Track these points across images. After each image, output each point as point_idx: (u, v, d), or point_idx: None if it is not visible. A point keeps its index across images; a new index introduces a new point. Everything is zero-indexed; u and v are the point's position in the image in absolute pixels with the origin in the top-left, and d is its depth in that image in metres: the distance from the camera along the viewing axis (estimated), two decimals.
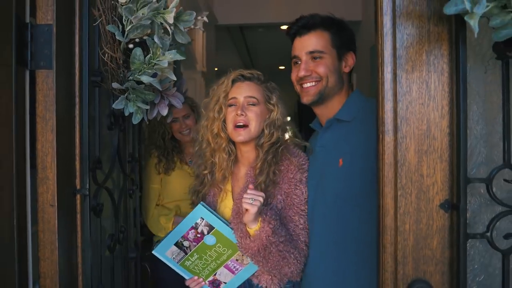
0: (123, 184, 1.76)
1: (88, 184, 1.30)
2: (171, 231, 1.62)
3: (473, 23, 0.78)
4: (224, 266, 1.60)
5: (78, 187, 1.28)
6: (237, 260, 1.58)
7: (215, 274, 1.62)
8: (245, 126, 1.50)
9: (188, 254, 1.61)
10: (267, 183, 1.46)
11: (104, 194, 1.53)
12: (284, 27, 6.15)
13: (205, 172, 1.64)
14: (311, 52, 1.43)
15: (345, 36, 1.46)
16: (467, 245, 0.99)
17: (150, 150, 2.39)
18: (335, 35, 1.44)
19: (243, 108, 1.51)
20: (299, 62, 1.46)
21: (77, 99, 1.28)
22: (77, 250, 1.28)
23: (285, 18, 5.64)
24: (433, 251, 0.98)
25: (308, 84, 1.43)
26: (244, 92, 1.53)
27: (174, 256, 1.63)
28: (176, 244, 1.60)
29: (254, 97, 1.53)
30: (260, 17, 5.67)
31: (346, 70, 1.46)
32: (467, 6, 0.78)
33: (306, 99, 1.45)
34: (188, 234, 1.58)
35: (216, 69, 6.05)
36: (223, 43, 6.60)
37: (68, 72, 1.24)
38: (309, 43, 1.44)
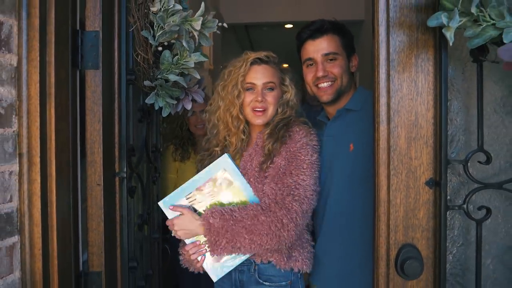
0: (147, 171, 1.98)
1: (125, 168, 1.51)
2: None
3: (449, 35, 0.98)
4: None
5: (117, 170, 1.48)
6: None
7: None
8: (262, 112, 1.60)
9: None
10: (275, 145, 1.54)
11: (134, 179, 1.74)
12: (288, 25, 6.33)
13: (216, 148, 1.69)
14: (327, 54, 1.61)
15: (351, 40, 1.66)
16: (448, 216, 1.20)
17: (167, 140, 2.61)
18: (343, 38, 1.63)
19: (262, 94, 1.59)
20: (313, 64, 1.63)
21: (116, 95, 1.48)
22: (115, 225, 1.49)
23: (289, 17, 5.83)
24: (420, 220, 1.18)
25: (325, 84, 1.61)
26: (262, 77, 1.61)
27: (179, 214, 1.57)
28: (188, 198, 1.56)
29: (272, 82, 1.61)
30: (264, 16, 5.82)
31: (353, 70, 1.66)
32: (444, 21, 0.98)
33: (325, 98, 1.62)
34: (205, 186, 1.54)
35: (221, 66, 6.22)
36: (229, 42, 6.77)
37: (109, 72, 1.45)
38: (323, 46, 1.61)
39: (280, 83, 1.65)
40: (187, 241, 1.60)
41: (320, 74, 1.60)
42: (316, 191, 1.55)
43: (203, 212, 1.54)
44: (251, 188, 1.55)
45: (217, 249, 1.50)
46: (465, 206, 1.15)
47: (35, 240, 1.16)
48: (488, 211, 1.15)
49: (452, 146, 1.22)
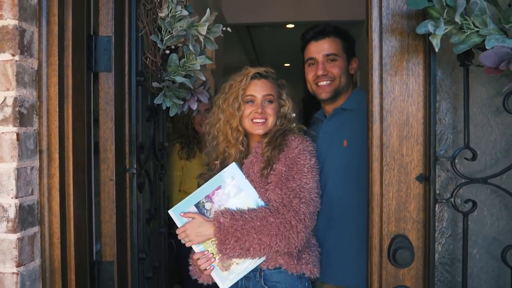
0: (154, 168, 2.07)
1: (135, 165, 1.60)
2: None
3: (435, 42, 1.07)
4: None
5: (127, 166, 1.58)
6: None
7: None
8: (262, 123, 1.67)
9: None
10: (273, 152, 1.60)
11: (142, 175, 1.83)
12: (290, 26, 6.41)
13: (216, 162, 1.74)
14: (328, 55, 1.73)
15: (352, 43, 1.77)
16: (437, 208, 1.29)
17: (173, 139, 2.71)
18: (345, 42, 1.75)
19: (262, 106, 1.67)
20: (315, 63, 1.74)
21: (126, 96, 1.57)
22: (126, 218, 1.58)
23: (290, 17, 5.90)
24: (411, 213, 1.27)
25: (324, 83, 1.72)
26: (261, 90, 1.69)
27: (190, 219, 1.61)
28: (197, 206, 1.60)
29: (271, 94, 1.69)
30: (266, 16, 5.88)
31: (352, 72, 1.77)
32: (431, 29, 1.07)
33: (324, 95, 1.74)
34: (214, 194, 1.58)
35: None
36: (231, 42, 6.84)
37: (120, 74, 1.54)
38: (325, 47, 1.73)
39: (278, 97, 1.73)
40: (196, 249, 1.62)
41: (320, 72, 1.71)
42: (319, 194, 1.60)
43: None
44: (258, 195, 1.59)
45: (225, 248, 1.52)
46: (452, 199, 1.24)
47: (54, 230, 1.25)
48: (474, 204, 1.24)
49: (441, 144, 1.31)
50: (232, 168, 1.60)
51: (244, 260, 1.58)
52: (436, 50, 1.08)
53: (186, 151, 2.66)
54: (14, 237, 1.16)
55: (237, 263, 1.58)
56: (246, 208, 1.58)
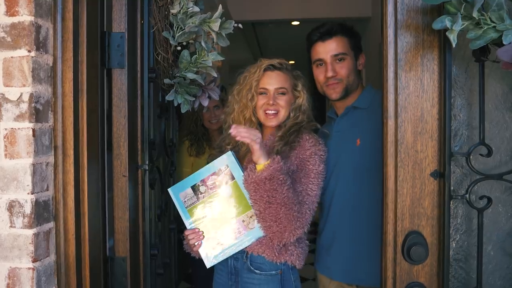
0: (165, 164, 2.08)
1: (147, 161, 1.61)
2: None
3: (452, 37, 1.06)
4: (228, 225, 1.64)
5: (139, 163, 1.58)
6: (243, 221, 1.62)
7: (216, 232, 1.65)
8: (275, 115, 1.68)
9: (200, 200, 1.66)
10: (284, 148, 1.60)
11: (153, 172, 1.83)
12: (295, 23, 6.39)
13: (228, 146, 1.76)
14: (336, 55, 1.71)
15: (358, 40, 1.76)
16: (452, 205, 1.29)
17: (183, 136, 2.72)
18: (351, 39, 1.73)
19: (274, 98, 1.68)
20: (323, 64, 1.73)
21: (139, 92, 1.58)
22: (139, 214, 1.59)
23: (295, 14, 5.88)
24: (425, 209, 1.27)
25: (334, 84, 1.71)
26: (274, 83, 1.69)
27: (186, 199, 1.67)
28: (193, 188, 1.67)
29: (283, 87, 1.69)
30: (271, 13, 5.87)
31: (360, 68, 1.76)
32: (448, 24, 1.06)
33: (335, 96, 1.73)
34: (208, 179, 1.64)
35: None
36: (236, 39, 6.82)
37: (133, 70, 1.54)
38: (333, 47, 1.71)
39: (292, 89, 1.73)
40: (188, 226, 1.69)
41: (329, 74, 1.70)
42: (318, 202, 1.63)
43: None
44: None
45: (260, 182, 1.48)
46: (467, 196, 1.24)
47: (69, 226, 1.26)
48: (489, 200, 1.24)
49: (456, 140, 1.30)
50: (227, 157, 1.64)
51: (229, 243, 1.64)
52: (454, 45, 1.08)
53: (195, 148, 2.67)
54: (30, 232, 1.16)
55: (221, 244, 1.65)
56: (237, 195, 1.61)
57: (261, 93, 1.72)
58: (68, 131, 1.25)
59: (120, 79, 1.46)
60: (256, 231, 1.62)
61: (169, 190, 1.70)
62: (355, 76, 1.74)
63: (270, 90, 1.70)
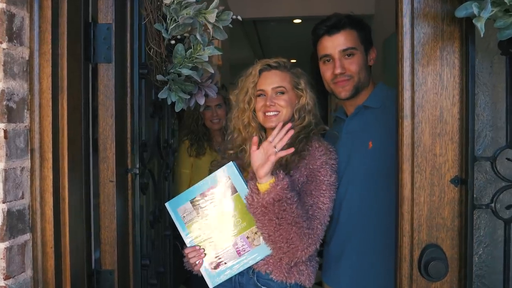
0: (159, 167, 1.95)
1: (137, 164, 1.48)
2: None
3: (480, 25, 0.93)
4: (231, 242, 1.51)
5: (129, 166, 1.45)
6: (247, 237, 1.49)
7: (219, 250, 1.53)
8: (275, 116, 1.55)
9: (200, 216, 1.52)
10: (293, 158, 1.48)
11: (145, 175, 1.70)
12: (297, 21, 6.27)
13: (231, 152, 1.66)
14: (345, 50, 1.55)
15: (368, 33, 1.61)
16: (474, 215, 1.15)
17: (183, 135, 2.59)
18: (361, 32, 1.57)
19: (271, 98, 1.55)
20: (331, 60, 1.57)
21: (128, 89, 1.45)
22: (128, 222, 1.46)
23: (297, 12, 5.76)
24: (445, 219, 1.14)
25: (342, 81, 1.56)
26: (271, 83, 1.57)
27: (185, 214, 1.54)
28: (192, 202, 1.52)
29: (281, 87, 1.57)
30: (273, 11, 5.76)
31: (371, 63, 1.61)
32: (475, 11, 0.93)
33: (344, 95, 1.57)
34: (209, 192, 1.51)
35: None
36: (237, 37, 6.72)
37: (122, 65, 1.41)
38: (340, 41, 1.55)
39: (294, 87, 1.60)
40: (188, 244, 1.55)
41: (338, 71, 1.55)
42: (330, 216, 1.50)
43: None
44: None
45: (266, 207, 1.35)
46: (492, 205, 1.11)
47: (47, 238, 1.13)
48: None
49: (479, 142, 1.17)
50: (229, 167, 1.50)
51: (233, 262, 1.51)
52: (482, 34, 0.94)
53: (195, 148, 2.54)
54: (1, 246, 1.03)
55: (225, 263, 1.52)
56: (240, 209, 1.48)
57: (259, 95, 1.60)
58: (46, 132, 1.12)
59: (106, 75, 1.33)
60: (263, 249, 1.48)
61: (167, 204, 1.57)
62: (366, 72, 1.59)
63: (267, 91, 1.58)
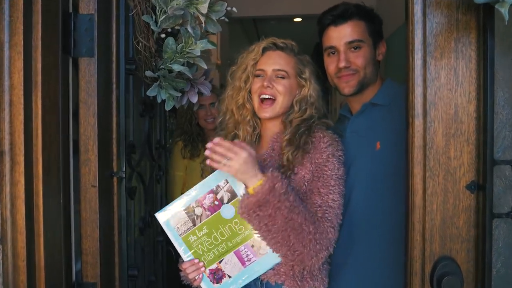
0: (150, 169, 1.84)
1: (124, 168, 1.37)
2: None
3: (504, 11, 0.82)
4: (234, 252, 1.35)
5: (115, 169, 1.34)
6: (252, 246, 1.34)
7: (220, 261, 1.36)
8: (271, 99, 1.40)
9: (197, 226, 1.35)
10: (295, 154, 1.35)
11: (136, 178, 1.60)
12: (297, 19, 6.17)
13: None
14: (351, 42, 1.43)
15: (378, 25, 1.48)
16: (492, 224, 1.04)
17: (176, 136, 2.48)
18: (370, 24, 1.45)
19: (270, 80, 1.40)
20: (336, 53, 1.46)
21: (114, 86, 1.34)
22: (113, 230, 1.35)
23: (297, 10, 5.66)
24: (459, 230, 1.03)
25: (347, 76, 1.44)
26: (273, 64, 1.42)
27: (179, 226, 1.35)
28: (186, 210, 1.35)
29: (283, 70, 1.41)
30: (273, 9, 5.66)
31: (380, 58, 1.48)
32: None
33: (347, 90, 1.45)
34: (205, 198, 1.35)
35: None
36: (236, 36, 6.63)
37: (106, 60, 1.30)
38: (347, 32, 1.43)
39: (297, 75, 1.45)
40: (185, 257, 1.36)
41: (342, 64, 1.42)
42: (342, 213, 1.36)
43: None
44: None
45: (250, 210, 1.24)
46: None
47: (19, 250, 1.02)
48: None
49: (497, 144, 1.05)
50: None
51: (237, 274, 1.35)
52: (506, 21, 0.83)
53: (189, 149, 2.42)
54: None
55: (229, 276, 1.35)
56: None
57: (257, 76, 1.44)
58: (18, 132, 1.01)
59: (88, 70, 1.22)
60: (271, 257, 1.33)
61: (157, 215, 1.37)
62: (373, 67, 1.46)
63: (267, 71, 1.42)
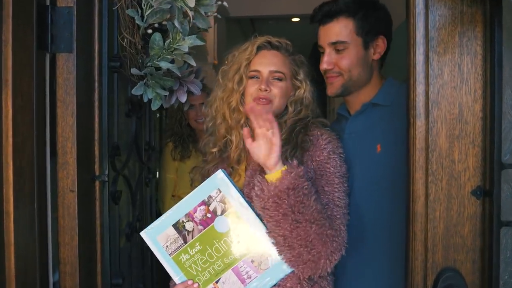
0: (139, 172, 1.76)
1: (107, 171, 1.29)
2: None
3: None
4: (232, 269, 1.22)
5: (97, 173, 1.26)
6: (252, 261, 1.22)
7: (217, 281, 1.23)
8: (267, 102, 1.32)
9: (188, 242, 1.23)
10: (293, 152, 1.27)
11: (121, 182, 1.52)
12: (295, 19, 6.11)
13: (214, 150, 1.39)
14: (334, 43, 1.35)
15: (374, 20, 1.37)
16: (500, 233, 0.97)
17: (166, 137, 2.41)
18: (361, 21, 1.34)
19: (267, 82, 1.32)
20: (323, 53, 1.38)
21: (96, 84, 1.26)
22: (95, 237, 1.27)
23: (295, 10, 5.60)
24: (464, 239, 0.96)
25: (330, 77, 1.38)
26: (269, 65, 1.34)
27: (168, 244, 1.24)
28: (176, 226, 1.24)
29: (280, 72, 1.33)
30: (270, 9, 5.62)
31: (376, 57, 1.38)
32: None
33: (330, 92, 1.38)
34: (196, 211, 1.23)
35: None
36: (234, 36, 6.57)
37: (87, 57, 1.23)
38: (331, 32, 1.35)
39: (292, 76, 1.37)
40: (176, 279, 1.25)
41: (323, 66, 1.35)
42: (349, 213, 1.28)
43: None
44: (253, 212, 1.22)
45: (270, 192, 1.13)
46: None
47: None
48: None
49: (505, 146, 0.98)
50: (218, 177, 1.23)
51: None
52: None
53: (180, 151, 2.35)
54: None
55: None
56: (239, 229, 1.22)
57: (252, 77, 1.35)
58: None
59: (66, 67, 1.14)
60: (276, 270, 1.21)
61: (143, 234, 1.25)
62: (364, 68, 1.37)
63: (263, 73, 1.33)
